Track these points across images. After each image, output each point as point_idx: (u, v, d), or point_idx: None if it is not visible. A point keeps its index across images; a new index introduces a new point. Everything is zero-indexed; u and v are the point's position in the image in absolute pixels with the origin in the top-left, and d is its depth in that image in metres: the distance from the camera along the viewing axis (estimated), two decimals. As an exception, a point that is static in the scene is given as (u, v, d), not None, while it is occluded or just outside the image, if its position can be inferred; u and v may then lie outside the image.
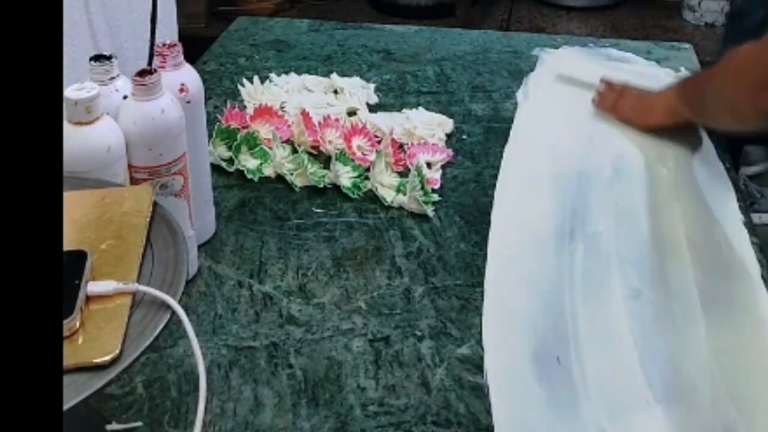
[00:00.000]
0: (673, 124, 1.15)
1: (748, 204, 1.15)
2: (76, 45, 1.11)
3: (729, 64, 1.02)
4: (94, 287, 0.59)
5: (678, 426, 0.74)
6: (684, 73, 1.37)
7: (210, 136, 1.04)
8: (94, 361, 0.54)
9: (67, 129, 0.74)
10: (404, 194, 1.03)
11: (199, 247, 0.94)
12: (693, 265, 0.93)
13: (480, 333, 0.84)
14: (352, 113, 1.22)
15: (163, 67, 0.85)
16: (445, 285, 0.91)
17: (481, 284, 0.90)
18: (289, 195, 1.06)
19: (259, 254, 0.95)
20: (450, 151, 1.14)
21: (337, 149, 1.09)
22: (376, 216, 1.02)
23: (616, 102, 1.22)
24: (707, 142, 1.18)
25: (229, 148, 1.11)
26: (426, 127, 1.18)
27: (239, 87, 1.29)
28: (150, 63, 0.90)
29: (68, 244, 0.61)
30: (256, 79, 1.29)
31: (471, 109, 1.27)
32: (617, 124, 1.21)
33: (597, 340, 0.83)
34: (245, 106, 1.24)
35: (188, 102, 0.86)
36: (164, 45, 0.86)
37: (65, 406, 0.51)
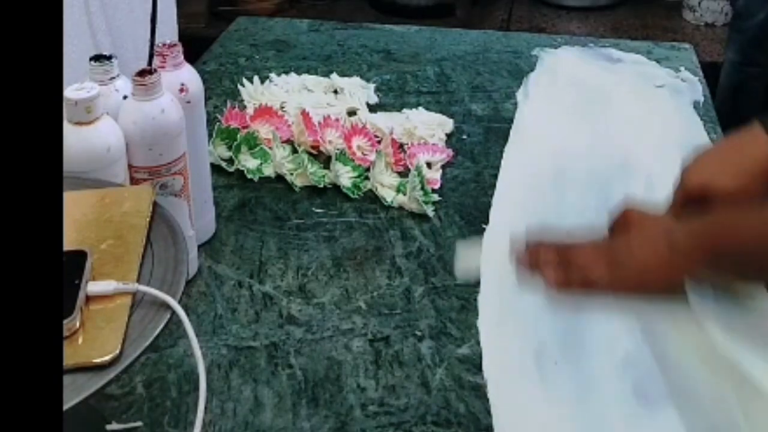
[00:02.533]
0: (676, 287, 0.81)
1: (748, 204, 1.15)
2: (76, 45, 1.11)
3: None
4: (94, 287, 0.59)
5: (680, 425, 0.74)
6: (685, 97, 1.24)
7: (210, 136, 1.04)
8: (94, 361, 0.54)
9: (67, 129, 0.74)
10: (404, 194, 1.03)
11: (199, 247, 0.94)
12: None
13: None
14: (352, 113, 1.22)
15: (163, 67, 0.85)
16: (445, 285, 0.91)
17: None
18: (289, 195, 1.06)
19: (259, 254, 0.95)
20: (450, 151, 1.14)
21: (337, 149, 1.09)
22: (376, 216, 1.02)
23: (574, 272, 0.83)
24: (707, 143, 1.18)
25: (229, 148, 1.11)
26: (426, 127, 1.18)
27: (239, 87, 1.29)
28: (150, 63, 0.90)
29: (68, 244, 0.61)
30: (256, 79, 1.29)
31: (471, 109, 1.27)
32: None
33: (597, 339, 0.83)
34: (245, 106, 1.24)
35: (188, 102, 0.86)
36: (164, 45, 0.86)
37: (65, 406, 0.51)
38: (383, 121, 1.18)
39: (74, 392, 0.52)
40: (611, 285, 0.81)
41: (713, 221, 0.80)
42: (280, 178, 1.08)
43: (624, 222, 0.86)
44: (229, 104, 1.20)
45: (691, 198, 0.86)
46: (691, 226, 0.80)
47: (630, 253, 0.82)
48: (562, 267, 0.82)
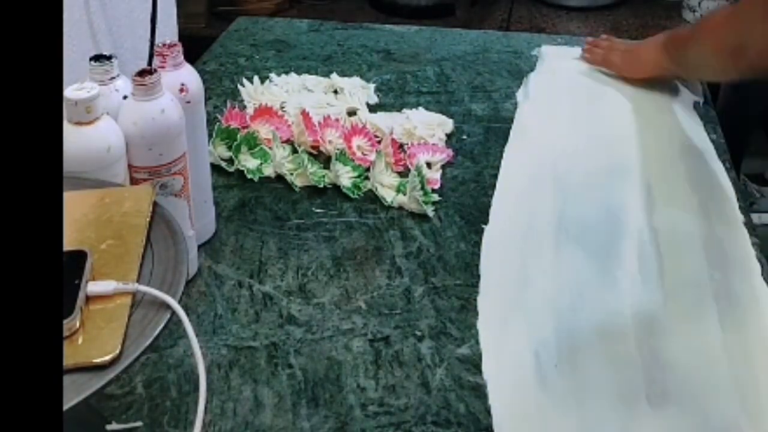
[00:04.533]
0: (660, 76, 1.29)
1: (748, 204, 1.15)
2: (76, 45, 1.11)
3: (706, 27, 1.15)
4: (94, 287, 0.59)
5: (680, 425, 0.74)
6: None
7: (210, 136, 1.04)
8: (94, 361, 0.54)
9: (67, 129, 0.74)
10: (404, 194, 1.03)
11: (199, 247, 0.94)
12: (696, 263, 0.93)
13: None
14: (352, 113, 1.22)
15: (163, 67, 0.85)
16: (445, 285, 0.91)
17: (481, 284, 0.90)
18: (289, 195, 1.06)
19: (259, 254, 0.95)
20: (450, 151, 1.14)
21: (337, 149, 1.09)
22: (376, 216, 1.02)
23: (605, 56, 1.35)
24: (707, 142, 1.18)
25: (229, 148, 1.11)
26: (426, 127, 1.18)
27: (239, 87, 1.29)
28: (150, 63, 0.90)
29: (68, 244, 0.61)
30: (256, 79, 1.29)
31: (471, 109, 1.27)
32: (610, 73, 1.33)
33: (597, 339, 0.83)
34: (245, 106, 1.24)
35: (188, 102, 0.86)
36: (164, 45, 0.86)
37: (65, 406, 0.51)
38: (383, 121, 1.18)
39: (74, 392, 0.52)
40: (621, 65, 1.33)
41: (668, 36, 1.24)
42: (280, 178, 1.08)
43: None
44: (229, 104, 1.20)
45: None
46: (666, 35, 1.25)
47: (638, 47, 1.32)
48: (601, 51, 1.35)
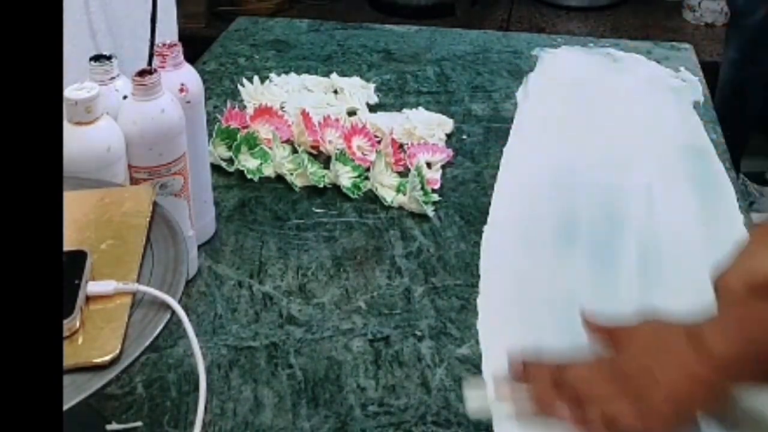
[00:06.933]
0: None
1: (748, 204, 1.15)
2: (76, 45, 1.11)
3: None
4: (94, 287, 0.59)
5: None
6: (687, 101, 1.22)
7: (210, 136, 1.04)
8: (94, 361, 0.54)
9: (67, 129, 0.74)
10: (404, 194, 1.03)
11: (199, 247, 0.94)
12: (696, 263, 0.93)
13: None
14: (352, 113, 1.22)
15: (163, 67, 0.85)
16: (445, 285, 0.91)
17: (481, 284, 0.90)
18: (289, 195, 1.06)
19: (259, 254, 0.95)
20: (450, 151, 1.14)
21: (337, 149, 1.09)
22: (376, 216, 1.02)
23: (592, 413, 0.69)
24: (707, 142, 1.18)
25: (229, 148, 1.11)
26: (426, 127, 1.18)
27: (239, 87, 1.29)
28: (150, 63, 0.90)
29: (68, 244, 0.61)
30: (256, 79, 1.29)
31: (471, 109, 1.27)
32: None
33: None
34: (245, 106, 1.24)
35: (188, 102, 0.86)
36: (164, 45, 0.86)
37: (65, 406, 0.51)
38: (383, 121, 1.18)
39: (74, 392, 0.52)
40: (641, 421, 0.66)
41: (750, 309, 0.65)
42: (280, 178, 1.08)
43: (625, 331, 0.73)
44: (229, 104, 1.19)
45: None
46: (720, 320, 0.65)
47: (650, 375, 0.66)
48: (576, 403, 0.68)
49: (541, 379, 0.71)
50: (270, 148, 1.11)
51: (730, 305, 0.66)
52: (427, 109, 1.24)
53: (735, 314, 0.65)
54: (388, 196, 1.04)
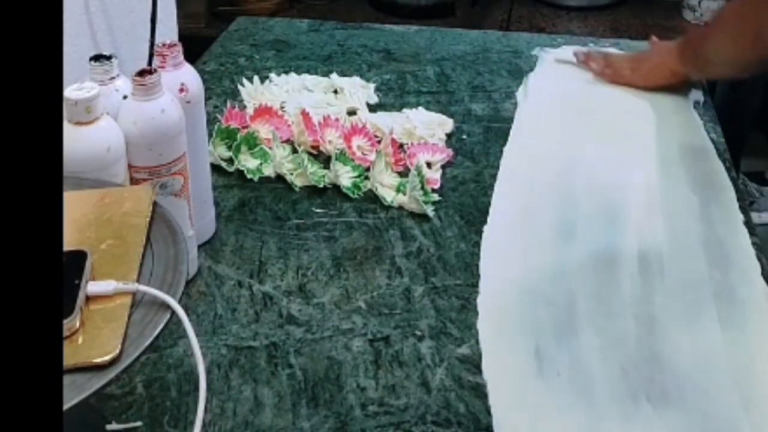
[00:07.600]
0: (677, 83, 1.28)
1: (747, 203, 1.15)
2: (76, 45, 1.11)
3: (722, 20, 1.16)
4: (94, 287, 0.59)
5: (680, 425, 0.74)
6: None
7: (210, 136, 1.04)
8: (94, 361, 0.54)
9: (67, 129, 0.74)
10: (404, 194, 1.03)
11: (199, 247, 0.94)
12: (696, 262, 0.93)
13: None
14: (352, 113, 1.22)
15: (163, 67, 0.85)
16: (445, 285, 0.91)
17: (481, 284, 0.90)
18: (289, 195, 1.06)
19: (259, 254, 0.95)
20: (450, 151, 1.14)
21: (337, 149, 1.09)
22: (376, 216, 1.02)
23: (613, 71, 1.32)
24: (707, 142, 1.18)
25: (229, 148, 1.11)
26: (426, 127, 1.18)
27: (239, 87, 1.29)
28: (150, 63, 0.90)
29: (68, 244, 0.61)
30: (256, 79, 1.29)
31: (471, 109, 1.27)
32: (620, 87, 1.30)
33: (598, 338, 0.83)
34: (245, 106, 1.24)
35: (188, 102, 0.86)
36: (164, 45, 0.86)
37: (65, 406, 0.51)
38: (383, 121, 1.18)
39: (74, 392, 0.52)
40: (633, 77, 1.30)
41: (681, 42, 1.25)
42: (280, 178, 1.08)
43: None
44: (229, 104, 1.19)
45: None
46: (679, 40, 1.25)
47: (648, 56, 1.33)
48: (605, 63, 1.33)
49: (595, 55, 1.36)
50: (270, 148, 1.11)
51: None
52: (427, 109, 1.25)
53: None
54: (388, 196, 1.04)
